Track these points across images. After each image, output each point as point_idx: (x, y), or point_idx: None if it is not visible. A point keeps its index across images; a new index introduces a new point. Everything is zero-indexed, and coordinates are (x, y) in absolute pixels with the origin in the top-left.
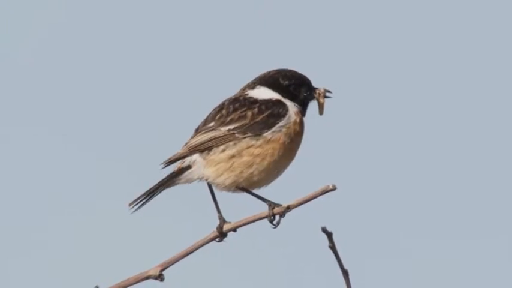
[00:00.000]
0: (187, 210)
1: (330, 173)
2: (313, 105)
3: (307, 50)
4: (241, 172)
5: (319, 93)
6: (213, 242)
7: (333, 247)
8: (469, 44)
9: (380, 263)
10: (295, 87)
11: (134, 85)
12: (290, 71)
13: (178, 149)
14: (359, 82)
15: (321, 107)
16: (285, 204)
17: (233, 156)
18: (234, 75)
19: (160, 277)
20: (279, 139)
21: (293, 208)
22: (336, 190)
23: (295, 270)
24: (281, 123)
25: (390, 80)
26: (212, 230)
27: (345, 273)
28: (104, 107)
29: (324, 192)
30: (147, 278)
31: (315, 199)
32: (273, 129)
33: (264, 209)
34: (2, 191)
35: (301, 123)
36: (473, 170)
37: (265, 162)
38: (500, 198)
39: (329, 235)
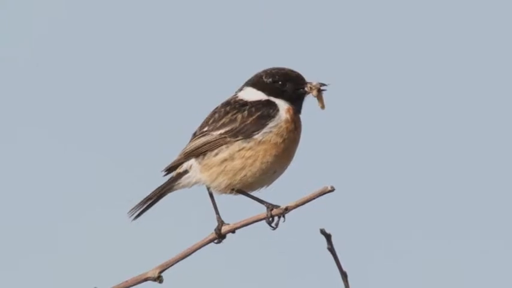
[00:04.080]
0: (186, 212)
1: (329, 174)
2: (313, 102)
3: (310, 50)
4: (235, 175)
5: (311, 87)
6: (211, 244)
7: (331, 249)
8: (469, 43)
9: (379, 264)
10: (282, 84)
11: (135, 86)
12: (275, 68)
13: (176, 155)
14: (358, 82)
15: (319, 101)
16: (283, 206)
17: (225, 159)
18: (235, 77)
19: (158, 279)
20: (270, 140)
21: (291, 209)
22: (335, 191)
23: (293, 272)
24: (271, 124)
25: (389, 81)
26: (210, 232)
27: (344, 275)
28: (105, 108)
29: (322, 193)
30: (146, 279)
31: (313, 200)
32: (264, 130)
33: (262, 210)
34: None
35: (293, 121)
36: (472, 170)
37: (258, 164)
38: (499, 198)
39: (328, 237)
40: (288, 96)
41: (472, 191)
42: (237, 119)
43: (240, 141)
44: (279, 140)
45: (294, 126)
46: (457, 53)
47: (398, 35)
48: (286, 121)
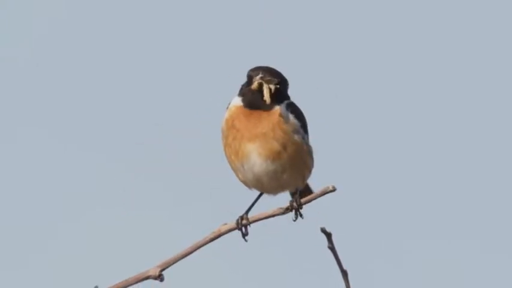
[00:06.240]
0: (188, 210)
1: (329, 174)
2: (313, 102)
3: (310, 50)
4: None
5: (254, 84)
6: (213, 242)
7: (332, 248)
8: (467, 43)
9: (379, 263)
10: (246, 83)
11: (135, 86)
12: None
13: None
14: (360, 83)
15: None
16: (284, 206)
17: None
18: (235, 77)
19: (160, 277)
20: (222, 143)
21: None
22: (336, 191)
23: (294, 270)
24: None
25: (391, 81)
26: (212, 231)
27: (344, 273)
28: (105, 108)
29: (323, 193)
30: (147, 278)
31: (314, 199)
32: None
33: (266, 207)
34: None
35: (232, 116)
36: (472, 171)
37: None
38: (499, 199)
39: (328, 235)
40: (243, 94)
41: (472, 191)
42: None
43: None
44: (223, 138)
45: (232, 122)
46: (456, 53)
47: (398, 35)
48: (226, 119)
